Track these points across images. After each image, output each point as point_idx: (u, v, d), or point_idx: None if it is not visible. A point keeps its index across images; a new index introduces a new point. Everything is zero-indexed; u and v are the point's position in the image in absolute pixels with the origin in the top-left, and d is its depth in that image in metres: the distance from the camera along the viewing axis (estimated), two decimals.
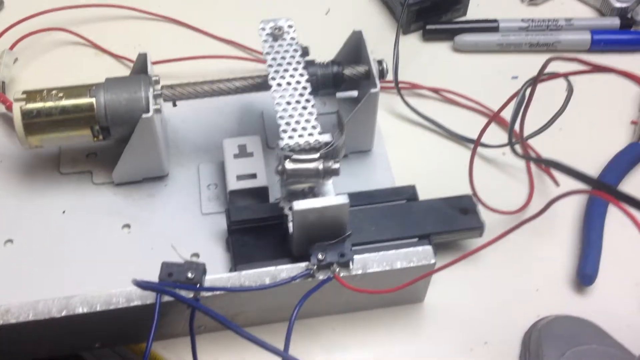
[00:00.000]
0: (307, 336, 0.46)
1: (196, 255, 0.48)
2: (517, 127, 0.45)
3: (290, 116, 0.44)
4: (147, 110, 0.46)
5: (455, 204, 0.48)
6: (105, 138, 0.49)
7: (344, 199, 0.41)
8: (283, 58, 0.47)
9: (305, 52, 0.49)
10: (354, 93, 0.54)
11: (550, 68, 0.42)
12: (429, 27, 0.63)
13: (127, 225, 0.49)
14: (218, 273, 0.42)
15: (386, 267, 0.43)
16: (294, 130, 0.44)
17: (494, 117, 0.49)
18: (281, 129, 0.44)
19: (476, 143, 0.49)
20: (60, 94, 0.48)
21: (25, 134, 0.47)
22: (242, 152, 0.50)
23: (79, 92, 0.48)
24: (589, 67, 0.37)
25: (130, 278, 0.40)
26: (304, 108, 0.45)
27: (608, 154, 0.54)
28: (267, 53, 0.48)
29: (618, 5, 0.63)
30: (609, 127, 0.57)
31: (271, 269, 0.42)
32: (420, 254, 0.43)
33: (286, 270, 0.42)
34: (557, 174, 0.53)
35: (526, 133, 0.48)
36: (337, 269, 0.42)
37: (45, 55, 0.61)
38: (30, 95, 0.48)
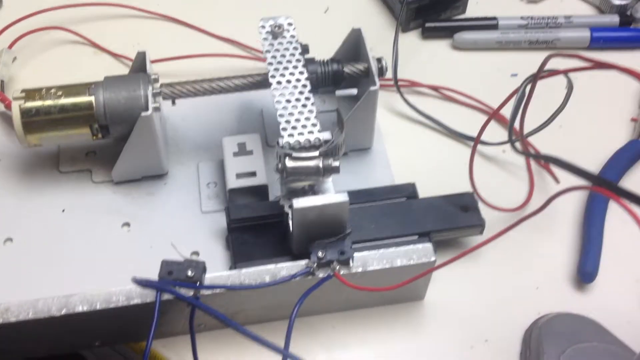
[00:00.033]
0: (307, 334, 0.46)
1: (196, 253, 0.48)
2: (517, 124, 0.45)
3: (290, 114, 0.44)
4: (146, 109, 0.46)
5: (456, 201, 0.48)
6: (105, 136, 0.49)
7: (343, 197, 0.41)
8: (283, 56, 0.47)
9: (305, 49, 0.48)
10: (354, 91, 0.54)
11: (550, 66, 0.41)
12: (428, 25, 0.63)
13: (127, 224, 0.49)
14: (218, 271, 0.42)
15: (386, 265, 0.43)
16: (294, 128, 0.44)
17: (494, 115, 0.49)
18: (281, 126, 0.44)
19: (476, 140, 0.49)
20: (59, 93, 0.47)
21: (24, 132, 0.47)
22: (242, 150, 0.50)
23: (78, 90, 0.48)
24: (590, 63, 0.37)
25: (130, 276, 0.40)
26: (304, 106, 0.45)
27: (608, 151, 0.54)
28: (267, 51, 0.48)
29: (617, 2, 0.63)
30: (609, 125, 0.57)
31: (271, 267, 0.42)
32: (420, 252, 0.43)
33: (286, 268, 0.42)
34: (557, 171, 0.53)
35: (526, 130, 0.48)
36: (337, 267, 0.42)
37: (44, 54, 0.61)
38: (29, 94, 0.47)
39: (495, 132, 0.54)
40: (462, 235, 0.49)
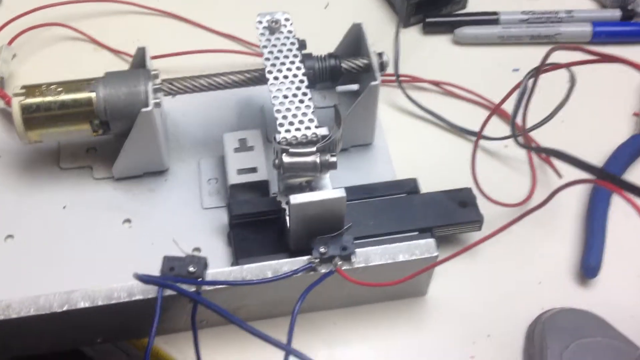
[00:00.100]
0: (309, 330, 0.46)
1: (197, 249, 0.48)
2: (519, 119, 0.45)
3: (287, 110, 0.44)
4: (147, 105, 0.46)
5: (455, 197, 0.48)
6: (105, 133, 0.49)
7: (341, 193, 0.41)
8: (280, 51, 0.47)
9: (302, 45, 0.48)
10: (354, 86, 0.54)
11: (552, 60, 0.41)
12: (429, 20, 0.62)
13: (128, 220, 0.49)
14: (219, 267, 0.42)
15: (388, 260, 0.42)
16: (291, 123, 0.44)
17: (496, 110, 0.48)
18: (278, 122, 0.44)
19: (478, 135, 0.49)
20: (60, 89, 0.47)
21: (24, 128, 0.47)
22: (243, 146, 0.50)
23: (78, 86, 0.48)
24: (595, 56, 0.37)
25: (131, 273, 0.39)
26: (301, 101, 0.45)
27: (610, 146, 0.54)
28: (264, 46, 0.47)
29: None
30: (611, 119, 0.57)
31: (273, 262, 0.42)
32: (422, 247, 0.43)
33: (288, 263, 0.42)
34: (559, 166, 0.52)
35: (528, 125, 0.48)
36: (340, 262, 0.41)
37: (44, 51, 0.61)
38: (29, 90, 0.47)
39: (497, 127, 0.54)
40: (461, 231, 0.48)
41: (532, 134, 0.52)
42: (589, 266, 0.47)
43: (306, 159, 0.42)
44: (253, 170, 0.48)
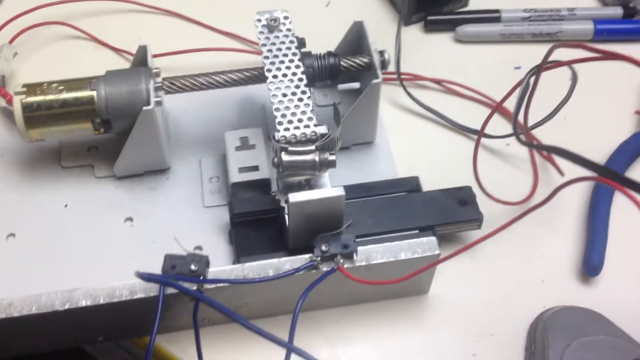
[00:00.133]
0: (311, 329, 0.46)
1: (199, 248, 0.48)
2: (520, 117, 0.45)
3: (286, 108, 0.44)
4: (148, 103, 0.46)
5: (455, 195, 0.48)
6: (107, 131, 0.48)
7: (339, 191, 0.41)
8: (279, 50, 0.47)
9: (301, 43, 0.48)
10: (356, 85, 0.54)
11: (554, 58, 0.41)
12: (430, 18, 0.62)
13: (129, 219, 0.49)
14: (221, 266, 0.42)
15: (390, 258, 0.42)
16: (290, 122, 0.44)
17: (497, 108, 0.48)
18: (277, 120, 0.44)
19: (480, 134, 0.49)
20: (61, 87, 0.47)
21: (25, 127, 0.47)
22: (244, 145, 0.49)
23: (80, 85, 0.47)
24: (597, 54, 0.37)
25: (133, 271, 0.39)
26: (300, 100, 0.45)
27: (612, 144, 0.54)
28: (263, 45, 0.47)
29: None
30: (613, 117, 0.57)
31: (274, 260, 0.42)
32: (424, 245, 0.43)
33: (290, 262, 0.42)
34: (561, 164, 0.52)
35: (530, 123, 0.47)
36: (341, 261, 0.41)
37: (45, 49, 0.61)
38: (31, 89, 0.47)
39: (499, 125, 0.54)
40: (460, 230, 0.48)
41: (534, 132, 0.52)
42: (591, 264, 0.47)
43: (305, 157, 0.42)
44: (254, 168, 0.48)
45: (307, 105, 0.44)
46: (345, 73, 0.51)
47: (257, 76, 0.50)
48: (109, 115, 0.47)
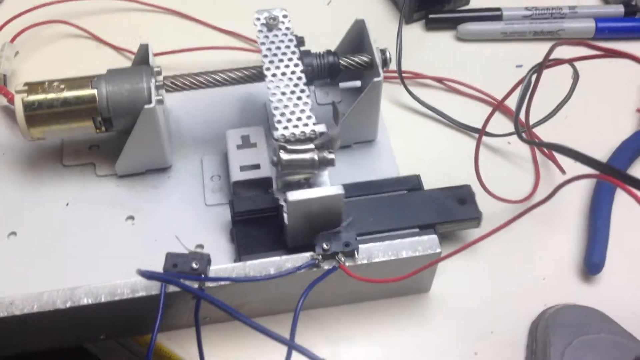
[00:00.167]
0: (312, 327, 0.46)
1: (200, 246, 0.47)
2: (522, 115, 0.45)
3: (285, 106, 0.44)
4: (149, 101, 0.46)
5: (453, 194, 0.48)
6: (108, 130, 0.48)
7: (338, 189, 0.41)
8: (278, 48, 0.47)
9: (300, 42, 0.48)
10: (357, 83, 0.54)
11: (556, 56, 0.41)
12: (431, 16, 0.62)
13: (131, 217, 0.49)
14: (223, 264, 0.42)
15: (392, 257, 0.42)
16: (289, 120, 0.44)
17: (499, 106, 0.48)
18: (276, 119, 0.44)
19: (481, 132, 0.49)
20: (62, 86, 0.47)
21: (27, 125, 0.47)
22: (246, 143, 0.49)
23: (81, 83, 0.47)
24: (599, 51, 0.37)
25: (134, 269, 0.39)
26: (299, 98, 0.45)
27: (614, 142, 0.54)
28: (262, 43, 0.47)
29: None
30: (614, 115, 0.57)
31: (276, 259, 0.42)
32: (425, 243, 0.43)
33: (291, 260, 0.42)
34: (563, 162, 0.52)
35: (531, 121, 0.47)
36: (343, 259, 0.41)
37: (47, 48, 0.61)
38: (32, 87, 0.47)
39: (500, 124, 0.54)
40: (459, 228, 0.48)
41: (536, 130, 0.52)
42: (592, 262, 0.47)
43: (304, 155, 0.42)
44: (256, 167, 0.48)
45: (306, 103, 0.44)
46: (347, 71, 0.51)
47: (258, 75, 0.50)
48: (110, 113, 0.47)
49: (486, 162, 0.51)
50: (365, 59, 0.50)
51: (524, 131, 0.46)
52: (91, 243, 0.48)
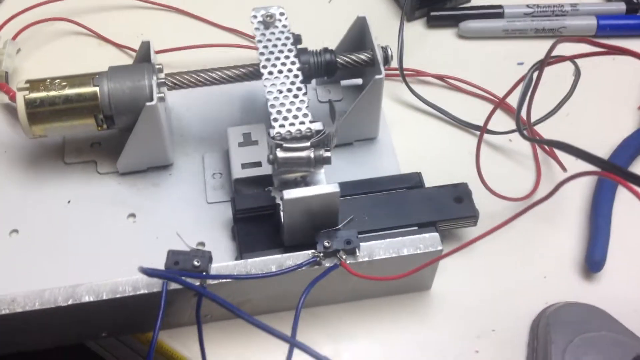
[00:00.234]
0: (314, 325, 0.46)
1: (202, 244, 0.48)
2: (523, 113, 0.45)
3: (282, 104, 0.44)
4: (151, 99, 0.46)
5: (450, 192, 0.48)
6: (110, 127, 0.49)
7: (334, 188, 0.41)
8: (275, 46, 0.47)
9: (297, 40, 0.48)
10: (358, 81, 0.54)
11: (557, 53, 0.41)
12: (433, 13, 0.62)
13: (132, 215, 0.49)
14: (224, 262, 0.42)
15: (393, 254, 0.42)
16: (285, 118, 0.44)
17: (500, 103, 0.48)
18: (272, 117, 0.44)
19: (482, 130, 0.48)
20: (64, 83, 0.47)
21: (29, 123, 0.47)
22: (247, 141, 0.49)
23: (83, 81, 0.48)
24: (601, 48, 0.36)
25: (136, 267, 0.39)
26: (295, 96, 0.45)
27: (615, 139, 0.54)
28: (259, 41, 0.47)
29: None
30: (616, 113, 0.57)
31: (277, 256, 0.42)
32: (427, 241, 0.43)
33: (292, 257, 0.42)
34: (564, 160, 0.52)
35: (533, 119, 0.47)
36: (344, 256, 0.41)
37: (48, 46, 0.61)
38: (34, 85, 0.47)
39: (502, 121, 0.54)
40: (456, 227, 0.48)
41: (537, 127, 0.52)
42: (593, 260, 0.47)
43: (300, 153, 0.42)
44: (257, 164, 0.48)
45: (302, 101, 0.44)
46: (348, 69, 0.51)
47: (255, 73, 0.50)
48: (112, 111, 0.47)
49: (487, 159, 0.51)
50: (365, 56, 0.50)
51: (525, 129, 0.45)
52: (93, 240, 0.48)
